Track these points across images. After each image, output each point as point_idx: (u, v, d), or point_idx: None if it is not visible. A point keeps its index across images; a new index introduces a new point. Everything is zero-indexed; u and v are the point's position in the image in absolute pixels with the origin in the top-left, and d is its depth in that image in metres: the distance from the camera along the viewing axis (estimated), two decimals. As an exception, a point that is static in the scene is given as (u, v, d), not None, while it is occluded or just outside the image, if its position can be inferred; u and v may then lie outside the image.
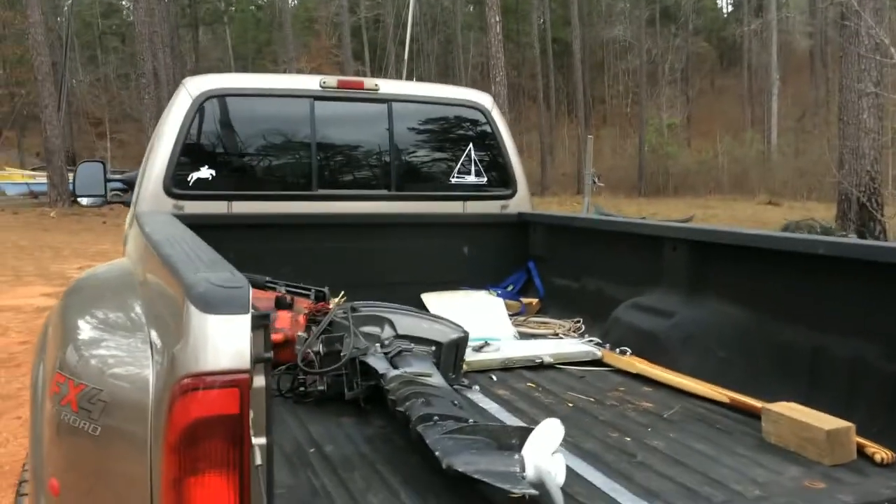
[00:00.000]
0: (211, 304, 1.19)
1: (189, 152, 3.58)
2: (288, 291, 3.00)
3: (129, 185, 4.26)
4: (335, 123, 3.86)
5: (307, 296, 3.04)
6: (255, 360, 1.23)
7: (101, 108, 38.92)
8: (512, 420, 2.36)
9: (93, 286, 2.23)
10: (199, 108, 3.58)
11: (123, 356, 1.58)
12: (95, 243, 14.56)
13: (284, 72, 27.93)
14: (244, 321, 1.20)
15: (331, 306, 2.93)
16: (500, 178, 4.15)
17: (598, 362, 3.05)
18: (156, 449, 1.32)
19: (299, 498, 1.79)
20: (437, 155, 4.10)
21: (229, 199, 3.66)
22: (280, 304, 2.83)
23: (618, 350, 3.03)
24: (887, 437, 2.05)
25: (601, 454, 2.08)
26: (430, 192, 4.04)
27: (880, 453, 1.99)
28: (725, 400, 2.48)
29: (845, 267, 2.35)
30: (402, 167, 3.99)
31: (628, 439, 2.20)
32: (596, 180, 12.17)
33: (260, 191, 3.74)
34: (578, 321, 3.58)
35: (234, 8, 47.59)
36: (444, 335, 2.67)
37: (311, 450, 2.09)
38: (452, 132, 4.13)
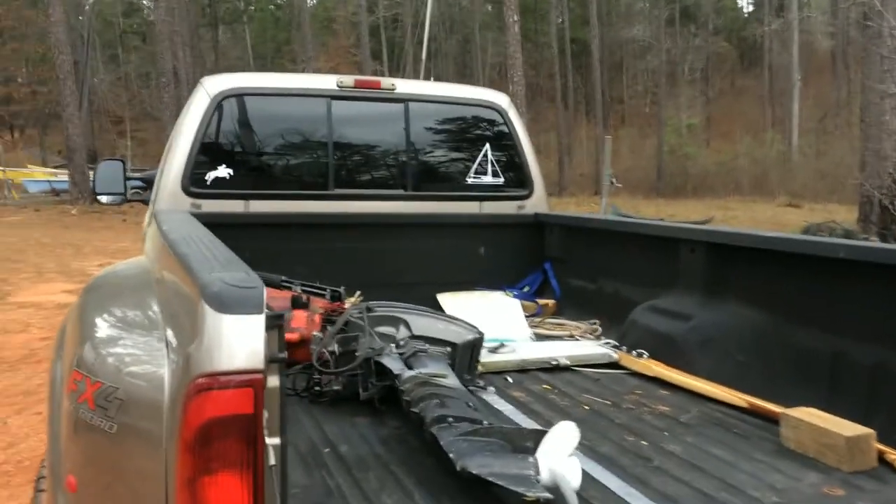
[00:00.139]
0: (225, 304, 1.20)
1: (207, 151, 3.60)
2: (304, 291, 3.00)
3: (149, 184, 4.29)
4: (352, 123, 3.86)
5: (323, 295, 3.05)
6: (270, 360, 1.23)
7: (122, 107, 39.23)
8: (527, 422, 2.35)
9: (111, 284, 2.25)
10: (216, 108, 3.59)
11: (140, 354, 1.59)
12: (116, 241, 14.69)
13: (303, 71, 28.01)
14: (258, 321, 1.20)
15: (346, 306, 2.94)
16: (517, 178, 4.13)
17: (614, 365, 3.03)
18: (170, 447, 1.32)
19: (314, 498, 1.79)
20: (454, 155, 4.10)
21: (246, 198, 3.68)
22: (296, 304, 2.84)
23: (634, 353, 3.01)
24: (908, 443, 2.03)
25: (617, 458, 2.07)
26: (447, 193, 4.03)
27: (901, 460, 1.96)
28: (744, 404, 2.46)
29: (867, 270, 2.32)
30: (419, 167, 3.99)
31: (645, 443, 2.18)
32: (614, 181, 12.10)
33: (277, 190, 3.75)
34: (595, 323, 3.56)
35: (253, 7, 47.85)
36: (460, 336, 2.67)
37: (326, 450, 2.10)
38: (469, 132, 4.12)
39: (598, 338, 3.39)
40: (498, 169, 4.09)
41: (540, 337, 3.46)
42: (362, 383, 2.46)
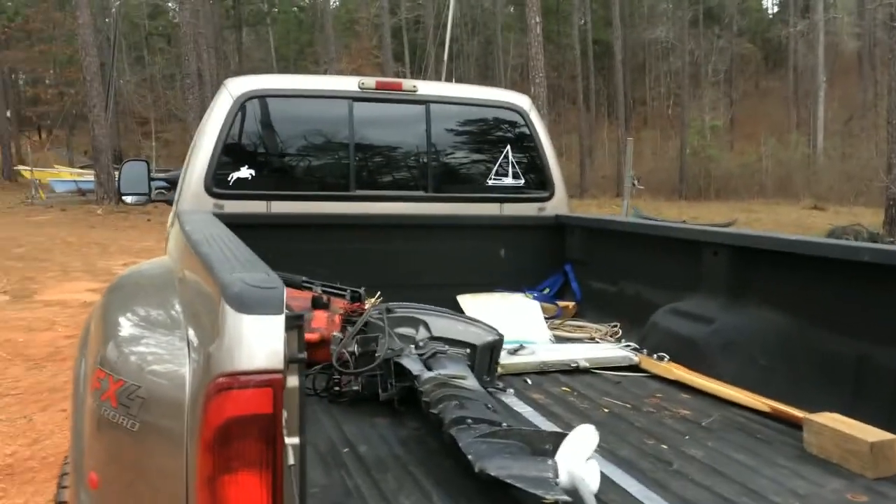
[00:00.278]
0: (246, 305, 1.20)
1: (230, 152, 3.63)
2: (324, 291, 3.02)
3: (173, 184, 4.33)
4: (373, 124, 3.87)
5: (343, 296, 3.06)
6: (289, 360, 1.23)
7: (148, 108, 39.65)
8: (546, 425, 2.34)
9: (134, 284, 2.27)
10: (239, 109, 3.62)
11: (162, 353, 1.61)
12: (140, 240, 14.85)
13: (325, 72, 28.18)
14: (278, 322, 1.21)
15: (366, 307, 2.95)
16: (538, 180, 4.12)
17: (634, 368, 3.01)
18: (191, 446, 1.33)
19: (332, 498, 1.80)
20: (475, 156, 4.10)
21: (268, 198, 3.70)
22: (316, 304, 2.85)
23: (655, 356, 3.00)
24: (934, 450, 1.99)
25: (636, 461, 2.06)
26: (467, 194, 4.03)
27: (927, 467, 1.93)
28: (766, 409, 2.44)
29: (892, 274, 2.28)
30: (440, 168, 3.99)
31: (665, 447, 2.17)
32: (636, 183, 12.04)
33: (298, 191, 3.77)
34: (615, 325, 3.55)
35: (276, 9, 48.14)
36: (479, 338, 2.67)
37: (345, 450, 2.10)
38: (490, 134, 4.12)
39: (618, 340, 3.38)
40: (519, 170, 4.08)
41: (560, 339, 3.45)
42: (382, 384, 2.46)
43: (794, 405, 2.37)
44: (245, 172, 3.65)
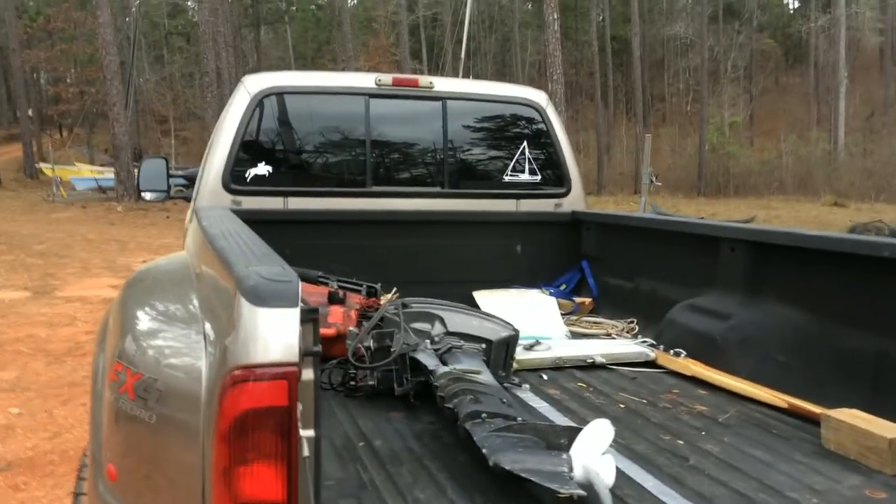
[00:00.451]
0: (261, 298, 1.21)
1: (247, 149, 3.65)
2: (340, 287, 3.03)
3: (191, 181, 4.37)
4: (390, 121, 3.88)
5: (359, 291, 3.07)
6: (304, 353, 1.24)
7: (167, 106, 39.92)
8: (561, 420, 2.34)
9: (152, 278, 2.30)
10: (257, 106, 3.64)
11: (179, 347, 1.62)
12: (160, 237, 14.98)
13: (343, 70, 28.26)
14: (294, 315, 1.22)
15: (382, 302, 2.95)
16: (555, 176, 4.12)
17: (651, 364, 3.00)
18: (207, 438, 1.35)
19: (347, 491, 1.81)
20: (491, 153, 4.09)
21: (285, 195, 3.72)
22: (333, 299, 2.87)
23: (672, 352, 2.98)
24: (955, 447, 1.97)
25: (652, 457, 2.05)
26: (484, 190, 4.03)
27: (947, 465, 1.91)
28: (783, 405, 2.42)
29: None
30: (456, 165, 3.99)
31: (681, 442, 2.16)
32: (654, 179, 11.95)
33: (315, 187, 3.79)
34: (632, 321, 3.53)
35: (294, 7, 48.30)
36: (495, 333, 2.66)
37: (361, 444, 2.11)
38: (507, 130, 4.12)
39: (634, 336, 3.36)
40: (535, 167, 4.07)
41: (576, 335, 3.44)
42: (397, 379, 2.47)
43: (812, 401, 2.35)
44: (262, 169, 3.67)
